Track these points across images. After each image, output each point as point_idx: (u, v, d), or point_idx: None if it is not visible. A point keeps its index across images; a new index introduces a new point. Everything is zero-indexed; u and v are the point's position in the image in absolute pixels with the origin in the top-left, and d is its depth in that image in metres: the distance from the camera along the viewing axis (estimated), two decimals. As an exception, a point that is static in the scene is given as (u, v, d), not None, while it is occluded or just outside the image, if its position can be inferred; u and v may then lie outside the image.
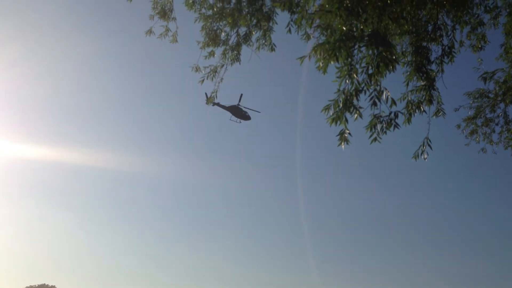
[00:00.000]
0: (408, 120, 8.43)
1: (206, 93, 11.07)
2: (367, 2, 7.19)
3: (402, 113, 7.47)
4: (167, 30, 10.73)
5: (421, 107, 8.53)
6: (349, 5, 7.06)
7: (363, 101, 7.08)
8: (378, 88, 6.90)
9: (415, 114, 8.57)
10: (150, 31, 10.68)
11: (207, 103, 10.94)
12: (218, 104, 10.11)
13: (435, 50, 8.99)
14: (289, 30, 10.21)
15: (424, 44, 8.84)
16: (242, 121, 11.24)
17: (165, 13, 10.46)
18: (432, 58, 8.88)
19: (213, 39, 10.28)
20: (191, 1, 10.32)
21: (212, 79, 10.46)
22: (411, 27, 8.66)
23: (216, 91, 10.31)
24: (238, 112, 10.31)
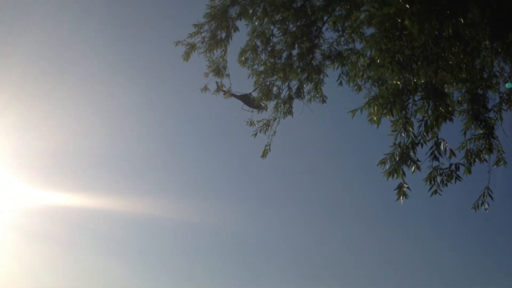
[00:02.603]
0: (468, 170, 8.19)
1: (217, 82, 11.19)
2: (418, 54, 7.24)
3: (462, 164, 7.28)
4: (222, 86, 11.20)
5: (481, 156, 8.28)
6: (400, 58, 7.13)
7: (420, 152, 6.99)
8: (435, 139, 6.82)
9: (475, 164, 8.32)
10: (205, 88, 11.19)
11: (216, 91, 11.11)
12: (232, 95, 10.22)
13: (492, 98, 8.80)
14: (340, 83, 10.39)
15: (480, 91, 8.69)
16: (254, 110, 10.90)
17: (219, 71, 10.95)
18: (490, 106, 8.69)
19: (265, 94, 10.60)
20: (243, 58, 10.78)
21: (265, 132, 10.68)
22: (465, 75, 8.57)
23: (270, 144, 10.49)
24: (250, 101, 10.15)
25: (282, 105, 10.71)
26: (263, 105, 11.14)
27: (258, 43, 10.68)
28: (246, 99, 11.27)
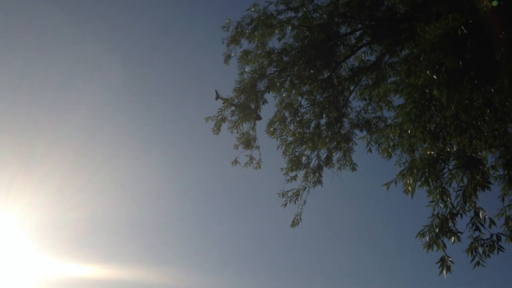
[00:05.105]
0: (510, 238, 7.88)
1: (216, 91, 11.01)
2: (450, 123, 7.22)
3: (503, 234, 7.00)
4: (252, 158, 11.27)
5: (523, 223, 7.97)
6: (431, 128, 7.13)
7: (459, 222, 6.79)
8: (474, 209, 6.63)
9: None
10: (235, 161, 11.26)
11: (216, 98, 11.02)
12: (231, 103, 9.98)
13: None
14: (370, 150, 10.36)
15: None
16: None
17: (249, 143, 11.08)
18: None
19: (295, 164, 10.61)
20: (272, 129, 10.93)
21: (295, 202, 10.55)
22: (499, 141, 8.46)
23: (300, 214, 10.33)
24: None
25: (311, 174, 10.67)
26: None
27: (287, 114, 10.87)
28: (242, 107, 11.21)
